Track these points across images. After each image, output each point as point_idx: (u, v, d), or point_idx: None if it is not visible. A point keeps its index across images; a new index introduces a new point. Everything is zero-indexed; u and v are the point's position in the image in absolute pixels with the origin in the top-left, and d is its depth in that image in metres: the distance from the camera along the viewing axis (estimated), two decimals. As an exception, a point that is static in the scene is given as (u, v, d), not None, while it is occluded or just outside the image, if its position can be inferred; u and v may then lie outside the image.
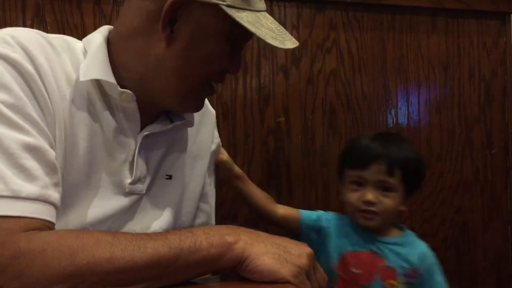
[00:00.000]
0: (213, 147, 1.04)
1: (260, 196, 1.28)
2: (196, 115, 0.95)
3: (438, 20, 1.75)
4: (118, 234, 0.66)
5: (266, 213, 1.27)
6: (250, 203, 1.28)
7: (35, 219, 0.64)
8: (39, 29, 1.30)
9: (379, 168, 1.14)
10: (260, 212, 1.28)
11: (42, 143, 0.68)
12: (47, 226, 0.66)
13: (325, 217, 1.26)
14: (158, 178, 0.89)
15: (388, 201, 1.15)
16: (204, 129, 1.02)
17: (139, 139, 0.84)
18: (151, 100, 0.83)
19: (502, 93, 1.84)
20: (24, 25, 1.31)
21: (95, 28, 1.37)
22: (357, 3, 1.63)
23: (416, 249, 1.18)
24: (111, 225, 0.81)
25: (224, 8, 0.75)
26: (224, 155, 1.17)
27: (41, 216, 0.65)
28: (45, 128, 0.70)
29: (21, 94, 0.68)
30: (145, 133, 0.84)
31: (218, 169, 1.16)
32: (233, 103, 1.52)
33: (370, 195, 1.14)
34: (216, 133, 1.08)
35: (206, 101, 1.06)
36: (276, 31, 0.81)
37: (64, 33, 1.32)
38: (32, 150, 0.66)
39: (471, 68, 1.80)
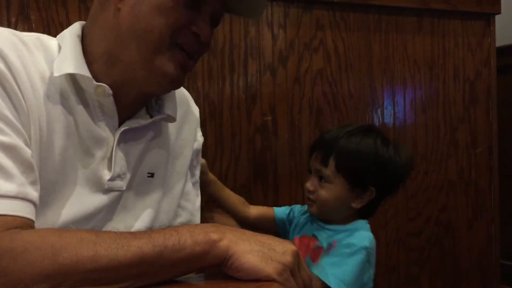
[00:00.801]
0: (196, 145, 1.03)
1: (232, 200, 1.28)
2: (179, 111, 0.94)
3: (423, 20, 1.77)
4: (102, 233, 0.65)
5: (239, 216, 1.28)
6: (224, 208, 1.28)
7: (15, 217, 0.63)
8: (23, 27, 1.30)
9: (317, 156, 1.14)
10: (234, 216, 1.28)
11: (18, 142, 0.68)
12: (28, 224, 0.65)
13: (297, 209, 1.26)
14: (139, 175, 0.88)
15: (323, 192, 1.12)
16: (187, 127, 1.00)
17: (117, 135, 0.82)
18: (125, 83, 0.81)
19: (486, 93, 1.86)
20: (9, 23, 1.30)
21: (80, 26, 1.37)
22: (344, 3, 1.64)
23: (350, 236, 1.11)
24: (92, 223, 0.80)
25: None
26: (202, 160, 1.16)
27: (21, 214, 0.64)
28: (20, 127, 0.70)
29: None
30: (123, 128, 0.83)
31: None
32: (220, 102, 1.52)
33: (308, 183, 1.15)
34: (199, 132, 1.06)
35: (190, 98, 1.05)
36: None
37: (49, 31, 1.32)
38: (7, 149, 0.66)
39: (456, 68, 1.82)
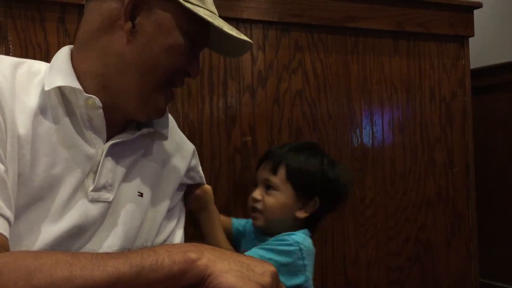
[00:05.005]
0: (187, 180, 1.05)
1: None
2: (172, 140, 0.97)
3: (399, 43, 1.81)
4: (78, 254, 0.65)
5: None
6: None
7: None
8: (0, 48, 1.29)
9: (265, 166, 1.18)
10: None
11: None
12: (1, 241, 0.64)
13: (250, 223, 1.27)
14: (129, 191, 0.88)
15: (270, 199, 1.16)
16: (179, 156, 1.02)
17: (105, 148, 0.83)
18: (114, 106, 0.83)
19: (462, 113, 1.90)
20: (-14, 43, 1.29)
21: (59, 47, 1.36)
22: (322, 25, 1.67)
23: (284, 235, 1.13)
24: (85, 235, 0.80)
25: (182, 2, 0.80)
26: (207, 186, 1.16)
27: None
28: None
29: None
30: (112, 142, 0.84)
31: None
32: (199, 123, 1.52)
33: (255, 192, 1.18)
34: (197, 169, 1.09)
35: (184, 137, 1.07)
36: (230, 27, 0.86)
37: (27, 53, 1.31)
38: None
39: (432, 89, 1.86)
